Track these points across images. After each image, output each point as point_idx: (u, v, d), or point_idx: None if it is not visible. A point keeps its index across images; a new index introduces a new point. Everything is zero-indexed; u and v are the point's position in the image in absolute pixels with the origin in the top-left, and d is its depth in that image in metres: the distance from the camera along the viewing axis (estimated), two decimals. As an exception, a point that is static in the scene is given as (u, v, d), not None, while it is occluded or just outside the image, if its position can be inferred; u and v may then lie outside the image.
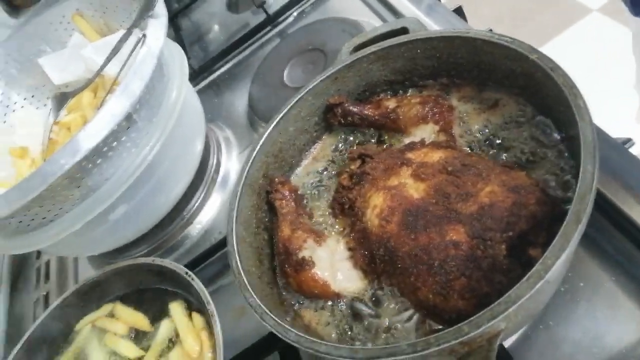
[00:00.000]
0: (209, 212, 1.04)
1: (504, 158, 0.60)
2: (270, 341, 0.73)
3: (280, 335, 0.50)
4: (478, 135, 0.63)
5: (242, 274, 0.57)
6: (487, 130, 0.63)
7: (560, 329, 0.63)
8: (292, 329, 0.50)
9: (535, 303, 0.46)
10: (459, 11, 1.12)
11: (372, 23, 1.13)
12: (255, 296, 0.54)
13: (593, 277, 0.64)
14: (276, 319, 0.51)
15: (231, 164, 1.11)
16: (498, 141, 0.62)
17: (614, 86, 2.01)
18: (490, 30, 0.81)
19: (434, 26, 0.98)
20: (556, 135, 0.57)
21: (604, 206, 0.66)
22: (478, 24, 0.99)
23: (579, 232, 0.43)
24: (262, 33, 1.34)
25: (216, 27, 1.52)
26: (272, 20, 1.32)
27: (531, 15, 2.64)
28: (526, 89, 0.60)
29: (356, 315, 0.57)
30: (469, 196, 0.53)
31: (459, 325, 0.42)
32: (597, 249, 0.65)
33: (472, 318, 0.42)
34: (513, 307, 0.41)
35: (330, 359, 0.47)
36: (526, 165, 0.58)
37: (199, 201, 1.05)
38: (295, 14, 1.31)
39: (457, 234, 0.50)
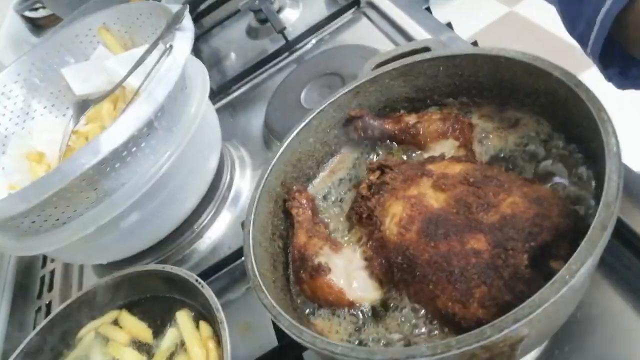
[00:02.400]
0: (219, 228, 1.04)
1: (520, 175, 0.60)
2: (276, 355, 0.71)
3: (294, 337, 0.49)
4: (497, 153, 0.64)
5: (258, 276, 0.56)
6: (507, 149, 0.63)
7: (575, 356, 0.61)
8: (307, 330, 0.49)
9: (557, 313, 0.45)
10: (475, 45, 1.15)
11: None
12: (269, 297, 0.53)
13: (611, 304, 0.63)
14: (290, 320, 0.50)
15: (244, 183, 1.11)
16: (518, 160, 0.62)
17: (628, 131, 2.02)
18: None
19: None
20: (578, 153, 0.57)
21: (623, 233, 0.65)
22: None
23: (604, 240, 0.43)
24: (279, 58, 1.37)
25: (235, 53, 1.55)
26: (290, 46, 1.35)
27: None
28: (547, 108, 0.61)
29: (370, 324, 0.56)
30: (490, 206, 0.52)
31: (481, 328, 0.41)
32: (616, 276, 0.64)
33: (494, 321, 0.41)
34: (537, 311, 0.40)
35: (345, 362, 0.46)
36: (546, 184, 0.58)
37: (209, 216, 1.05)
38: (313, 41, 1.34)
39: (478, 243, 0.50)
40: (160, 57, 0.90)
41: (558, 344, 0.63)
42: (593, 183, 0.54)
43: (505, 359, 0.42)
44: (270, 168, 0.67)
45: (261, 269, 0.58)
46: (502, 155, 0.63)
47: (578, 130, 0.56)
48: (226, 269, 0.93)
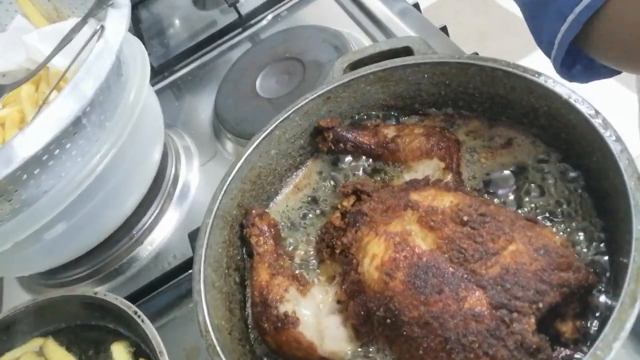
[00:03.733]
0: (163, 232, 0.92)
1: (517, 209, 0.53)
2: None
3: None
4: (488, 177, 0.56)
5: (211, 332, 0.46)
6: (498, 174, 0.56)
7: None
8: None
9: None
10: (443, 30, 1.07)
11: (354, 35, 1.05)
12: (227, 362, 0.44)
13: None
14: (254, 396, 0.42)
15: (191, 176, 0.99)
16: (512, 188, 0.54)
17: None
18: (476, 53, 0.74)
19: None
20: (582, 188, 0.50)
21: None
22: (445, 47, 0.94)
23: (634, 316, 0.36)
24: (231, 35, 1.23)
25: (179, 23, 1.39)
26: (243, 22, 1.21)
27: (496, 38, 2.67)
28: (547, 130, 0.53)
29: (346, 386, 0.48)
30: (489, 255, 0.45)
31: None
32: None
33: (508, 420, 0.34)
34: (559, 410, 0.34)
35: None
36: (545, 222, 0.51)
37: (152, 218, 0.92)
38: (269, 17, 1.21)
39: (478, 302, 0.43)
40: (91, 37, 0.76)
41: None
42: (602, 226, 0.47)
43: None
44: (224, 188, 0.57)
45: (215, 319, 0.49)
46: (492, 180, 0.56)
47: (586, 163, 0.49)
48: (170, 282, 0.82)
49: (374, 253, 0.49)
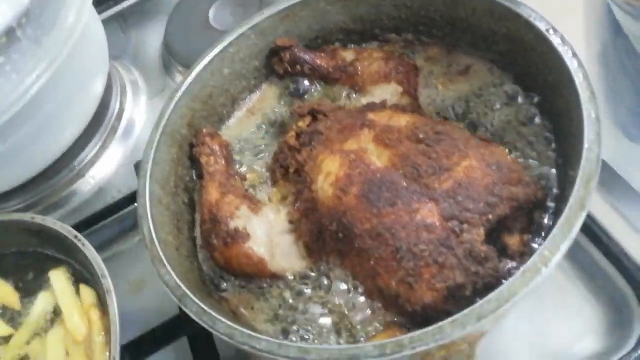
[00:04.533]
0: (106, 166, 0.88)
1: (472, 133, 0.53)
2: (177, 324, 0.61)
3: (205, 326, 0.40)
4: (444, 102, 0.56)
5: (157, 244, 0.44)
6: (455, 99, 0.56)
7: (505, 321, 0.58)
8: (221, 319, 0.39)
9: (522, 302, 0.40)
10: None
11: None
12: (172, 273, 0.43)
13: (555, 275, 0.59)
14: (200, 304, 0.40)
15: (137, 111, 0.95)
16: (467, 112, 0.54)
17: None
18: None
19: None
20: (534, 109, 0.51)
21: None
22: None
23: (581, 221, 0.37)
24: (182, -37, 1.16)
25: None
26: (196, -50, 1.14)
27: None
28: (505, 56, 0.53)
29: (295, 300, 0.48)
30: (442, 170, 0.45)
31: (440, 324, 0.34)
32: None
33: (456, 316, 0.34)
34: (505, 306, 0.34)
35: (269, 358, 0.37)
36: (498, 141, 0.51)
37: (94, 151, 0.88)
38: (223, -54, 1.14)
39: (429, 214, 0.43)
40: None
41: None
42: (553, 146, 0.48)
43: (463, 358, 0.35)
44: (173, 104, 0.54)
45: (161, 233, 0.47)
46: (449, 105, 0.55)
47: (541, 85, 0.49)
48: (115, 215, 0.79)
49: (329, 170, 0.48)
